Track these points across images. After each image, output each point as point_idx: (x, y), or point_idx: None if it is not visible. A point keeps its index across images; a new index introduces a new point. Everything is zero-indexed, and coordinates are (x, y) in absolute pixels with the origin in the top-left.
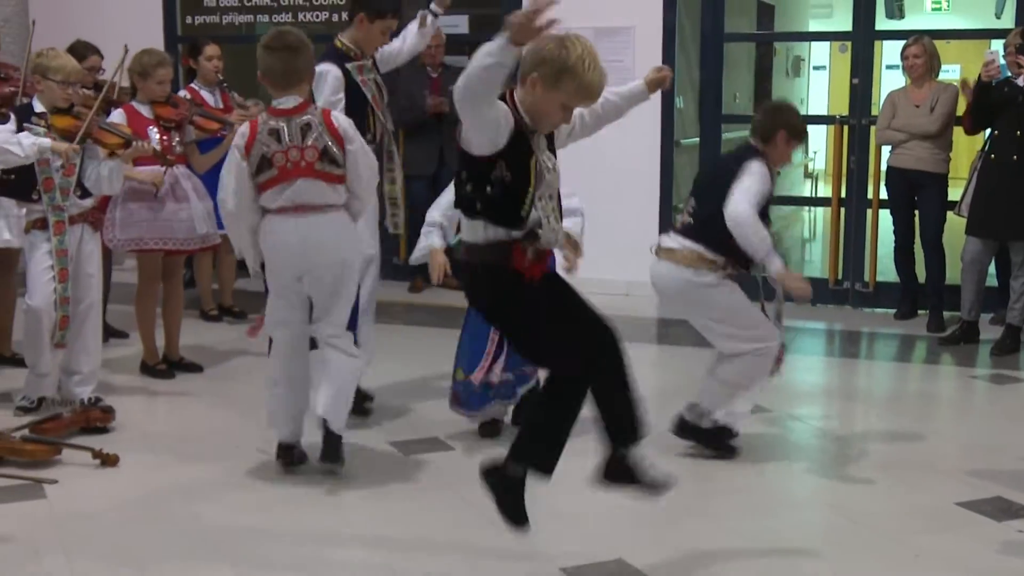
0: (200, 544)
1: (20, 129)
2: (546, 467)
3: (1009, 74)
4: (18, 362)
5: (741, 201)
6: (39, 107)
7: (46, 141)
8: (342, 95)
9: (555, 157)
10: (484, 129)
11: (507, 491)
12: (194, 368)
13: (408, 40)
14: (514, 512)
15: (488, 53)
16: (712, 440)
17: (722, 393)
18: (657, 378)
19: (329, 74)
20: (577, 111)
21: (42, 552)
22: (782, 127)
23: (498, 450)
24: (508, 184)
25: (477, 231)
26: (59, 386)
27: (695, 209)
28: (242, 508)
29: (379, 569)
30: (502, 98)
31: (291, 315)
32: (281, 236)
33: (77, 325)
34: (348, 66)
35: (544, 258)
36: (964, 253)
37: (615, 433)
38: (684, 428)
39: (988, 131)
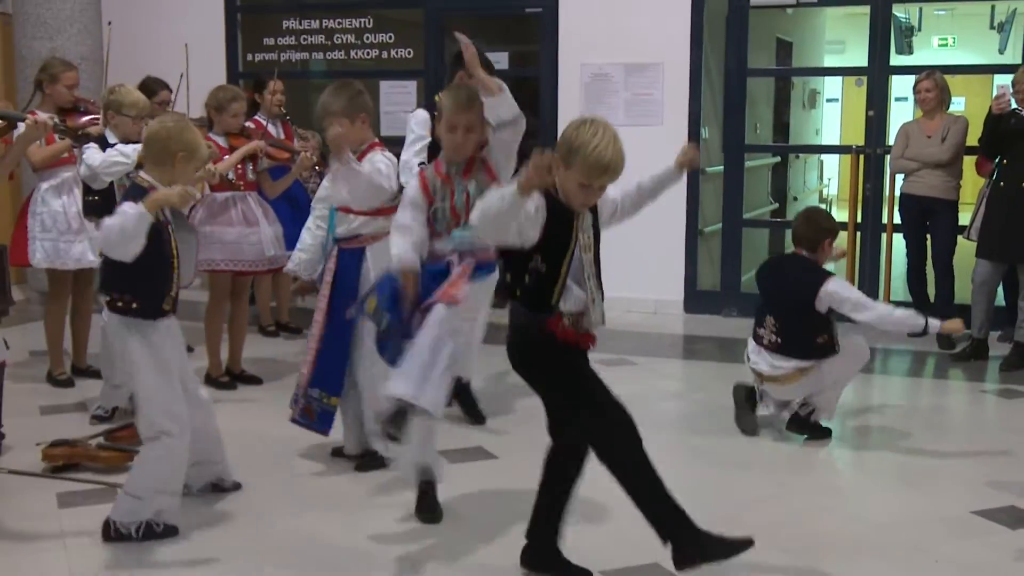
0: (265, 545)
1: None
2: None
3: (1016, 106)
4: (94, 374)
5: (863, 315)
6: (112, 139)
7: (138, 145)
8: (424, 133)
9: (597, 235)
10: (507, 239)
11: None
12: (254, 380)
13: None
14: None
15: (501, 198)
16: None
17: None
18: (679, 390)
19: (416, 115)
20: (618, 195)
21: (119, 552)
22: (826, 236)
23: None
24: (543, 274)
25: (518, 314)
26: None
27: (781, 328)
28: (298, 510)
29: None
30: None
31: None
32: None
33: None
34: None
35: (587, 336)
36: (975, 275)
37: (664, 522)
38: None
39: (997, 160)
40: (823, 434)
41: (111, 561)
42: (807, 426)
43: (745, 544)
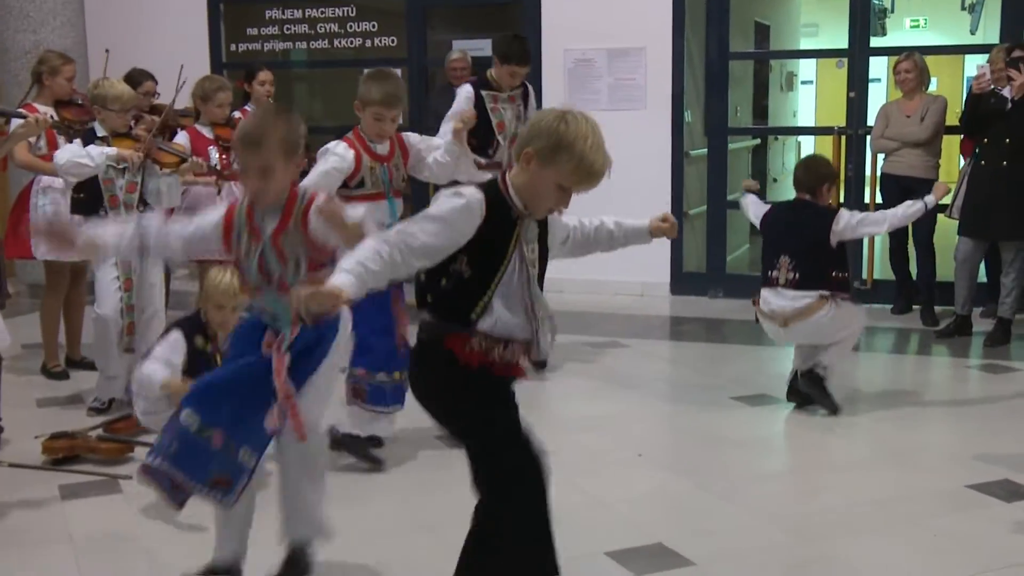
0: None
1: None
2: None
3: (994, 86)
4: (88, 366)
5: (878, 227)
6: (101, 131)
7: (111, 148)
8: (468, 108)
9: (544, 253)
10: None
11: None
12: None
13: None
14: None
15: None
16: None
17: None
18: (671, 371)
19: (463, 89)
20: (574, 223)
21: (122, 544)
22: (824, 181)
23: None
24: (465, 281)
25: (424, 328)
26: (127, 388)
27: (797, 264)
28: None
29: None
30: (492, 184)
31: None
32: None
33: (142, 331)
34: (484, 93)
35: (510, 366)
36: (957, 252)
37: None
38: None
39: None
40: (832, 407)
41: (117, 553)
42: (820, 387)
43: None
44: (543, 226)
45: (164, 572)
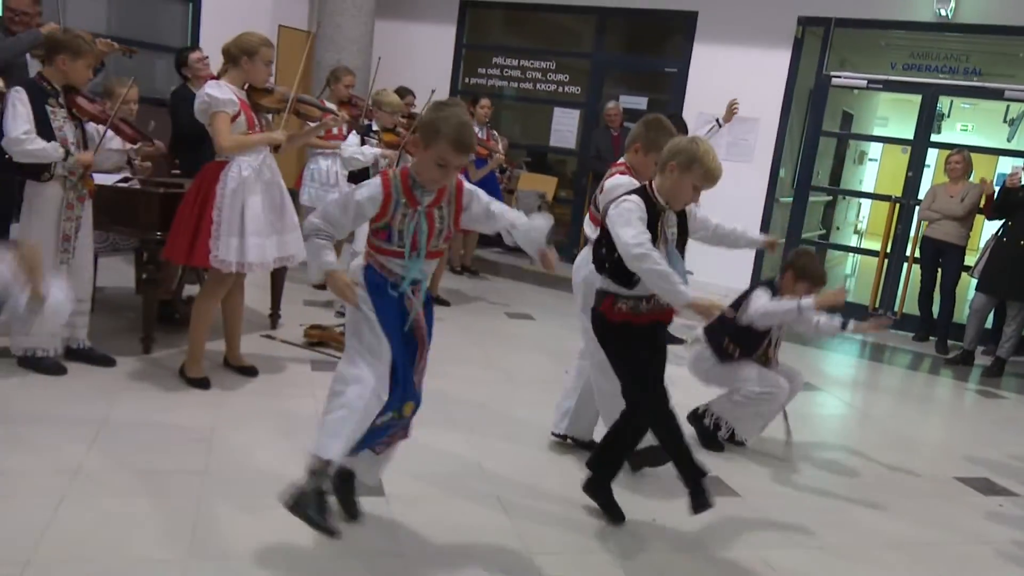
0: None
1: (362, 142)
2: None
3: None
4: None
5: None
6: (375, 127)
7: (378, 149)
8: None
9: (682, 234)
10: None
11: (605, 498)
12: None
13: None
14: (612, 512)
15: (668, 288)
16: None
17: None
18: None
19: None
20: (706, 217)
21: None
22: (789, 270)
23: None
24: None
25: (605, 283)
26: None
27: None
28: None
29: (488, 498)
30: (642, 190)
31: None
32: None
33: None
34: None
35: (662, 310)
36: (972, 303)
37: (689, 475)
38: None
39: (1003, 221)
40: (715, 445)
41: None
42: (712, 438)
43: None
44: (682, 216)
45: None
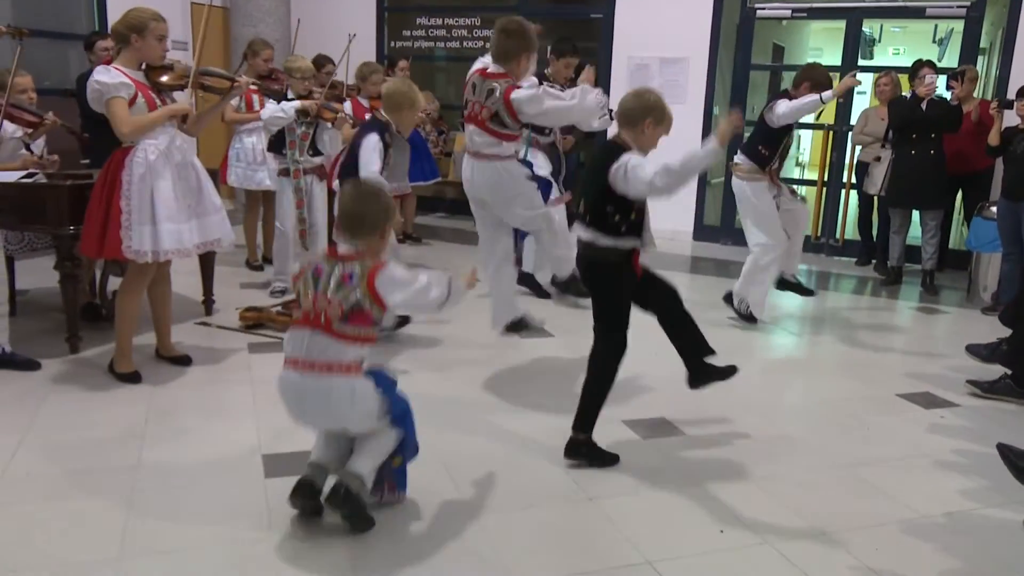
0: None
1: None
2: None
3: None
4: (267, 261)
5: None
6: (290, 94)
7: (297, 102)
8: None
9: None
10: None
11: (592, 457)
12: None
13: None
14: (603, 459)
15: (708, 155)
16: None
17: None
18: (687, 296)
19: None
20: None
21: None
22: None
23: None
24: (640, 208)
25: (623, 242)
26: None
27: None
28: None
29: (513, 438)
30: (621, 145)
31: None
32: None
33: (313, 239)
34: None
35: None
36: (891, 223)
37: (693, 352)
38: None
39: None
40: (752, 320)
41: None
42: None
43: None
44: None
45: None
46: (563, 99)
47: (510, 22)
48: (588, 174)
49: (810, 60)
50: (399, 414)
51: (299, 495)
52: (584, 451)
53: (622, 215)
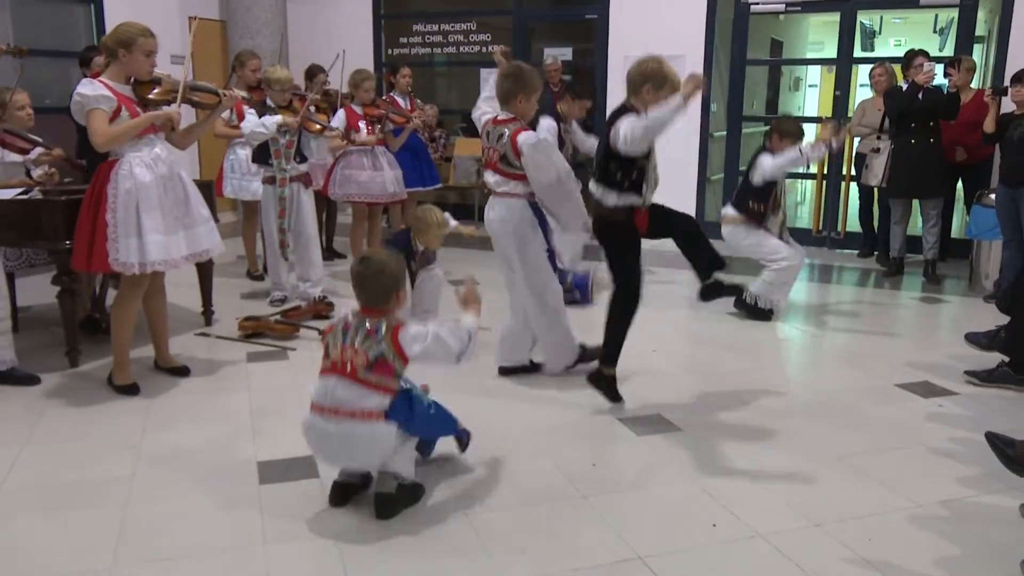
0: None
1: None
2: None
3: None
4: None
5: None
6: (271, 103)
7: (278, 116)
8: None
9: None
10: (649, 144)
11: (608, 391)
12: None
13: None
14: (613, 396)
15: (673, 111)
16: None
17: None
18: (685, 291)
19: (546, 121)
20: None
21: (284, 392)
22: (774, 132)
23: None
24: (641, 168)
25: (625, 199)
26: (298, 288)
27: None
28: None
29: (506, 435)
30: (630, 109)
31: None
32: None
33: (303, 249)
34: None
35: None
36: (891, 214)
37: (706, 265)
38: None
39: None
40: (763, 316)
41: (280, 395)
42: (750, 309)
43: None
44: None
45: None
46: (562, 163)
47: (509, 67)
48: (602, 137)
49: (809, 54)
50: (420, 429)
51: (338, 495)
52: (604, 384)
53: (623, 172)
